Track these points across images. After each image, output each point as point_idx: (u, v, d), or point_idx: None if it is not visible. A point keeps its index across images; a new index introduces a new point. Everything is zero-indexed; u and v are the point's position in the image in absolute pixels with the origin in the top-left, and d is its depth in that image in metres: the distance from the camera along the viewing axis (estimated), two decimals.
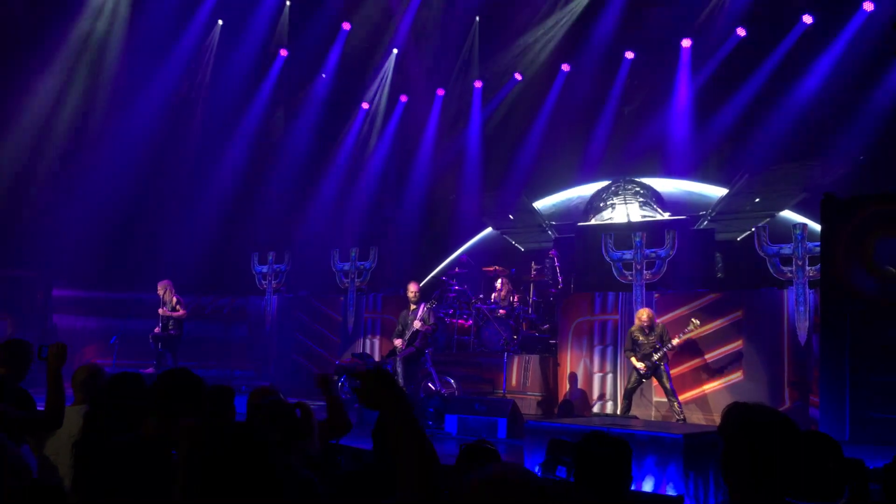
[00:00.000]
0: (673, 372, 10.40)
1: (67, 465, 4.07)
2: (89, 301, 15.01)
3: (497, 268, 14.16)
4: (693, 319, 10.28)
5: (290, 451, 3.29)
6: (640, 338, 10.25)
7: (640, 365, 10.19)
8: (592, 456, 3.24)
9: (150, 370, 12.44)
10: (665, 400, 10.57)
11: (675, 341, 10.12)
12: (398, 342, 11.00)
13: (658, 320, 10.48)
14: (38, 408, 4.40)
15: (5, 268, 14.32)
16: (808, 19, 13.62)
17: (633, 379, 10.39)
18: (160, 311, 12.75)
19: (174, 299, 12.79)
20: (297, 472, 3.03)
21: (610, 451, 3.25)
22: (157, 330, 12.72)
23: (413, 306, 11.11)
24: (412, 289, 11.28)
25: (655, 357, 10.10)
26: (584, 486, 3.20)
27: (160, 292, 12.81)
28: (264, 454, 1.85)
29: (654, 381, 10.43)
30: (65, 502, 2.57)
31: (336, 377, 12.28)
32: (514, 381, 11.98)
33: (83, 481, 2.86)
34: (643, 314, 10.34)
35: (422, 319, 10.90)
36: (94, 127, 15.42)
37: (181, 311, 12.81)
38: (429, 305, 11.07)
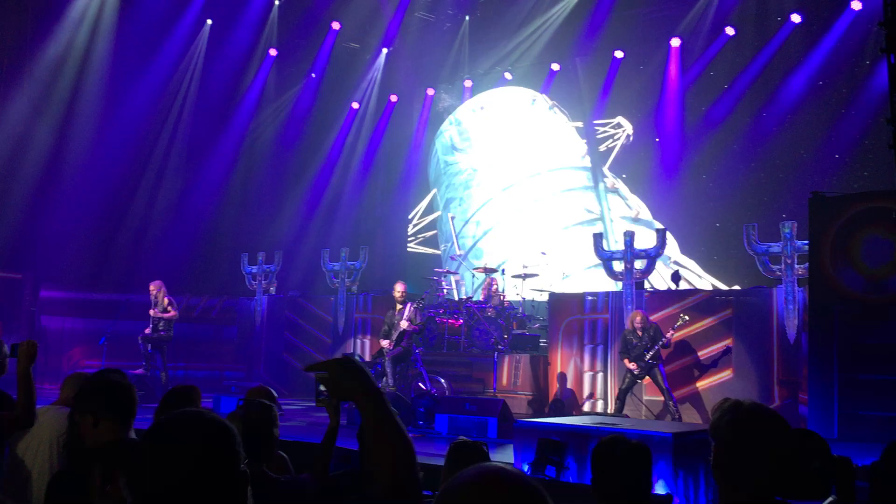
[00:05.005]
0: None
1: (41, 465, 4.04)
2: (77, 302, 14.91)
3: (486, 266, 14.16)
4: (682, 315, 10.32)
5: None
6: (633, 340, 10.29)
7: (633, 366, 10.23)
8: (610, 460, 3.14)
9: (140, 371, 12.38)
10: (656, 399, 10.60)
11: (668, 335, 10.15)
12: (385, 343, 10.99)
13: (651, 321, 10.48)
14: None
15: None
16: (796, 18, 13.66)
17: (626, 380, 10.40)
18: (151, 312, 12.68)
19: (166, 300, 12.72)
20: (281, 482, 3.00)
21: (629, 455, 3.15)
22: (147, 331, 12.65)
23: (399, 306, 11.09)
24: (399, 289, 11.26)
25: (648, 356, 10.12)
26: (603, 491, 3.13)
27: (153, 292, 12.72)
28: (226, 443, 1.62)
29: (647, 380, 10.45)
30: None
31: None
32: (504, 381, 11.98)
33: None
34: (636, 316, 10.36)
35: (409, 319, 10.89)
36: (83, 127, 15.31)
37: (172, 312, 12.74)
38: (416, 305, 11.06)
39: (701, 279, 14.25)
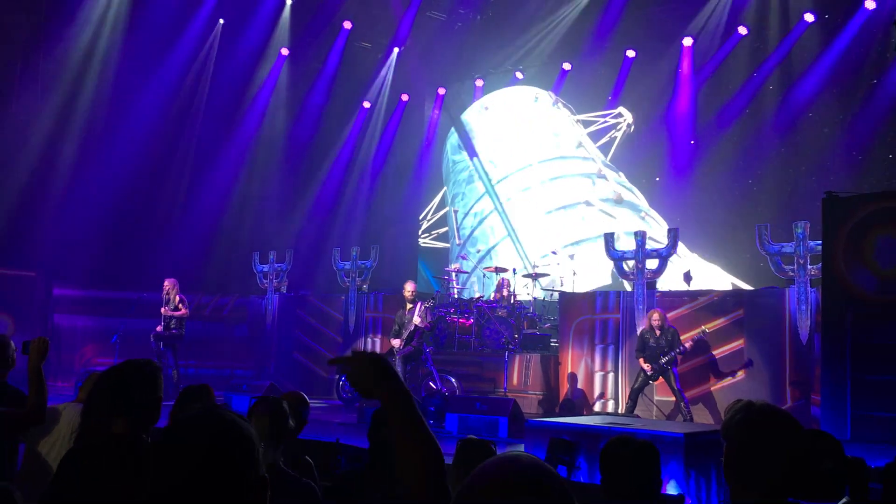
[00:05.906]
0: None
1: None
2: (90, 300, 14.99)
3: (497, 266, 14.13)
4: (704, 327, 10.28)
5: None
6: (650, 340, 10.23)
7: (647, 367, 10.18)
8: (618, 459, 3.15)
9: None
10: (667, 399, 10.55)
11: (687, 344, 10.11)
12: (395, 342, 10.99)
13: (670, 324, 10.42)
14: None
15: (6, 267, 14.31)
16: (809, 17, 13.59)
17: (639, 380, 10.35)
18: (162, 310, 12.72)
19: (177, 298, 12.76)
20: (295, 479, 3.00)
21: (637, 454, 3.16)
22: (159, 329, 12.69)
23: (410, 305, 11.10)
24: (409, 288, 11.27)
25: (663, 360, 10.08)
26: (612, 491, 3.13)
27: (166, 288, 12.77)
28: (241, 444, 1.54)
29: (659, 381, 10.41)
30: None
31: (337, 376, 12.26)
32: (515, 380, 11.96)
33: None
34: (654, 315, 10.30)
35: (420, 317, 10.89)
36: (95, 126, 15.38)
37: (183, 311, 12.78)
38: (426, 304, 11.06)
39: (683, 259, 14.15)
